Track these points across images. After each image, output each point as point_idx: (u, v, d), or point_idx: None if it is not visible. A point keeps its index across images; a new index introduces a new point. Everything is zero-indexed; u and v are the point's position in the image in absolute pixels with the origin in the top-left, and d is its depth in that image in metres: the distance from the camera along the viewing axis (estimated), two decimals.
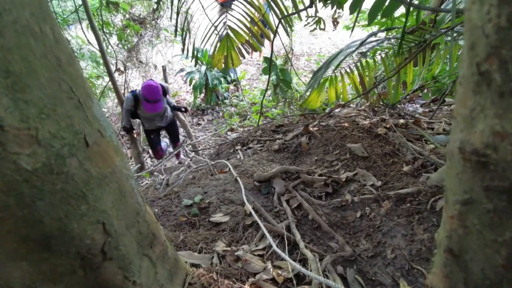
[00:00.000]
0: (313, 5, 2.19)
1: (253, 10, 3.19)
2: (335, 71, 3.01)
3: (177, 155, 4.56)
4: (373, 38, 2.67)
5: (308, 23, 2.42)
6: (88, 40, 4.59)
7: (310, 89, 3.05)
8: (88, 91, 0.58)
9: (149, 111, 3.63)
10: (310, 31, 2.60)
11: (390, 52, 2.94)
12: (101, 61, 5.44)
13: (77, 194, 0.54)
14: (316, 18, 2.30)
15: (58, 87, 0.49)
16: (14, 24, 0.41)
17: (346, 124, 2.59)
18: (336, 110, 3.14)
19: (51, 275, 0.55)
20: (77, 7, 4.38)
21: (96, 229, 0.60)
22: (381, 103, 3.16)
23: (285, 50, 3.97)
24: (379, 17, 2.24)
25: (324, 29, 2.39)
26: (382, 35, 3.15)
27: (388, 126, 2.42)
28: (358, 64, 2.92)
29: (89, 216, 0.57)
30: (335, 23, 2.67)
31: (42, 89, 0.45)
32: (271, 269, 1.34)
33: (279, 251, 1.21)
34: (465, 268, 0.35)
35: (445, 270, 0.39)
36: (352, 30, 2.35)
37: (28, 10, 0.43)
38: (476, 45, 0.31)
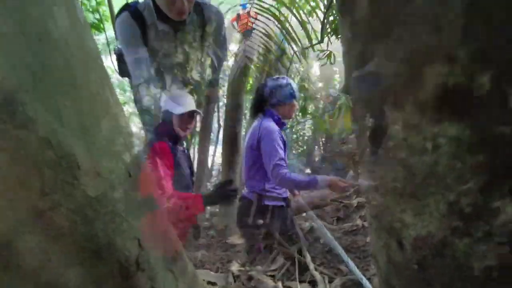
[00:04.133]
0: (324, 40, 2.35)
1: (271, 43, 3.40)
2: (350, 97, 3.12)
3: None
4: None
5: (320, 58, 2.59)
6: (116, 69, 4.94)
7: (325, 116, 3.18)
8: (131, 133, 0.75)
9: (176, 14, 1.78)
10: (321, 65, 2.77)
11: None
12: (128, 89, 5.80)
13: (121, 215, 0.69)
14: (328, 52, 2.47)
15: (113, 133, 0.66)
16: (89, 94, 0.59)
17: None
18: (351, 136, 3.24)
19: (98, 279, 0.70)
20: (108, 40, 4.77)
21: (133, 243, 0.75)
22: None
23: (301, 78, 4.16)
24: None
25: (334, 63, 2.55)
26: None
27: None
28: None
29: (129, 232, 0.73)
30: None
31: (104, 137, 0.63)
32: None
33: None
34: (379, 268, 0.47)
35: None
36: None
37: (96, 81, 0.61)
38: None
